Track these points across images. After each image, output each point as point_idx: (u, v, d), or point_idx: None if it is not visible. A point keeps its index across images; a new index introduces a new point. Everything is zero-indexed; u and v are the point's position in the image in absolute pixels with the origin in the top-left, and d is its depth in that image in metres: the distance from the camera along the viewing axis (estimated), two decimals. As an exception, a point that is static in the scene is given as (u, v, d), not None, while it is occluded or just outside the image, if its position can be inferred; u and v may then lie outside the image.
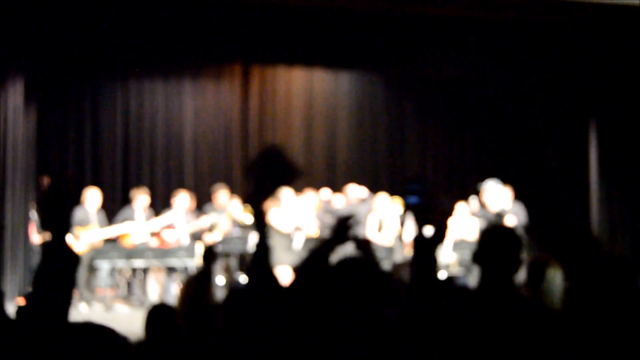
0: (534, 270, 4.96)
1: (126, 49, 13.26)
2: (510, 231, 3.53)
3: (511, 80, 15.21)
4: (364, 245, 4.03)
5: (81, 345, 1.81)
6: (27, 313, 2.59)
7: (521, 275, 10.14)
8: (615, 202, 13.70)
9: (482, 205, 12.60)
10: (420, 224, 3.46)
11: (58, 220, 2.61)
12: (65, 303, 2.67)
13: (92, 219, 12.25)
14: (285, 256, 11.08)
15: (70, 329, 1.86)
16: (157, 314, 4.84)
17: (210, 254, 5.01)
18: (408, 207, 3.55)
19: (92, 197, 12.43)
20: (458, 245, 12.79)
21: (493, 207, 12.45)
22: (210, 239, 12.46)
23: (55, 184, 2.67)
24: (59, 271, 2.67)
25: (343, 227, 3.62)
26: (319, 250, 3.66)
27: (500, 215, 12.51)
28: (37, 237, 13.11)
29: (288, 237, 11.37)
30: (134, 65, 15.34)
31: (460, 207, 14.26)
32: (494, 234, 3.47)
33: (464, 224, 13.82)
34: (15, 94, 12.33)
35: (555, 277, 4.85)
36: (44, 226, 2.64)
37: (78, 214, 12.25)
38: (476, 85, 16.23)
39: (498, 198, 12.56)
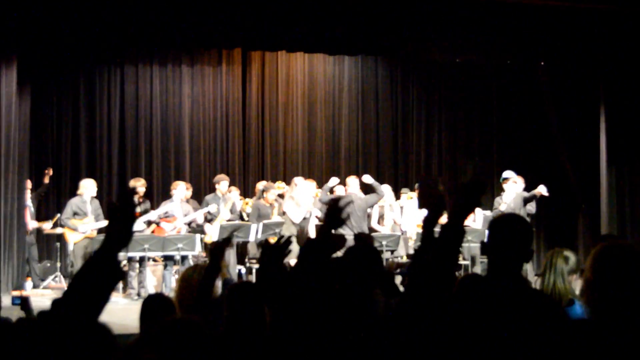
0: (547, 260, 4.98)
1: (122, 33, 12.97)
2: (521, 220, 3.40)
3: (519, 65, 14.98)
4: (364, 236, 3.93)
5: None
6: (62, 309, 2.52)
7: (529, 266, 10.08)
8: (624, 191, 13.54)
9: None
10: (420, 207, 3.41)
11: (122, 232, 2.49)
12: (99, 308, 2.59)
13: (88, 210, 11.98)
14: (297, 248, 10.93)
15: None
16: (154, 305, 4.72)
17: (219, 250, 4.80)
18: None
19: (88, 187, 12.17)
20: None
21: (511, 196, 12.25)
22: (209, 229, 12.22)
23: (125, 197, 2.56)
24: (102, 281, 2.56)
25: (335, 210, 3.44)
26: (316, 240, 3.49)
27: (529, 199, 12.36)
28: (32, 224, 12.93)
29: (299, 227, 11.16)
30: (131, 50, 15.10)
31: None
32: (504, 224, 3.30)
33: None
34: (9, 80, 12.04)
35: (564, 266, 4.87)
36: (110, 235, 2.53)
37: (74, 204, 11.98)
38: (483, 70, 16.03)
39: (517, 187, 12.38)
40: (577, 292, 4.83)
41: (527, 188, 12.96)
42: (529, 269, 11.70)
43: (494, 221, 3.37)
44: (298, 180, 11.56)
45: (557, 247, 5.20)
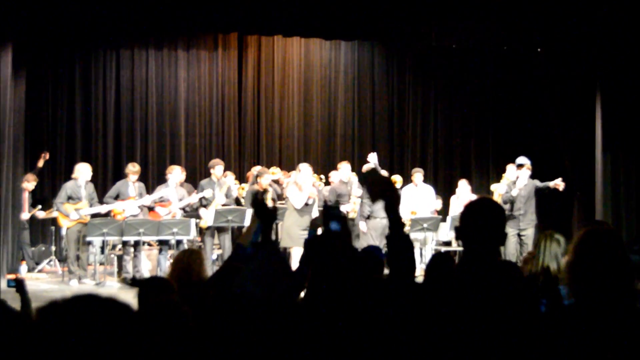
0: (537, 243, 5.10)
1: (118, 16, 12.95)
2: (492, 204, 3.41)
3: (516, 51, 14.96)
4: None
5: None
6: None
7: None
8: (619, 179, 13.54)
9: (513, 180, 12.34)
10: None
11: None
12: None
13: (82, 194, 11.96)
14: (299, 234, 10.93)
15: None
16: (151, 287, 4.71)
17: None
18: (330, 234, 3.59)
19: (84, 171, 12.13)
20: (457, 221, 12.57)
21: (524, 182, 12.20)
22: (204, 214, 12.21)
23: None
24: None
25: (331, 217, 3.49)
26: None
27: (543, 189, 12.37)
28: (25, 215, 12.93)
29: (300, 214, 11.12)
30: (127, 34, 15.05)
31: (461, 183, 14.08)
32: (476, 208, 3.30)
33: (465, 200, 13.63)
34: (4, 64, 11.99)
35: (548, 248, 4.96)
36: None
37: (69, 188, 11.97)
38: (479, 56, 16.01)
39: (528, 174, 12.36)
40: None
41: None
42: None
43: (467, 206, 3.34)
44: (303, 166, 11.51)
45: (547, 231, 5.24)
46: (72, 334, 1.59)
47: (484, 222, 3.19)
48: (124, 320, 1.66)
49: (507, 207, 11.77)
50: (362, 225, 11.85)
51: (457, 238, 3.08)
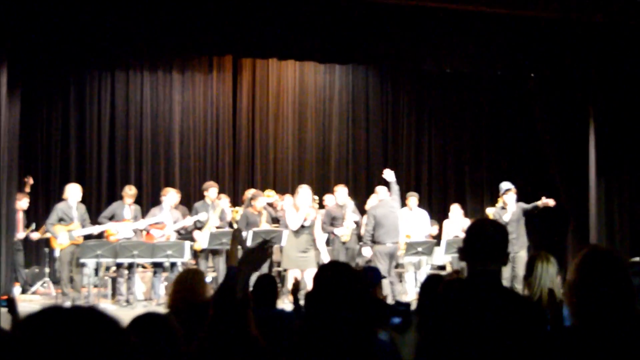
0: (528, 263, 5.13)
1: (113, 38, 12.92)
2: (495, 224, 3.44)
3: (509, 76, 15.01)
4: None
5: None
6: None
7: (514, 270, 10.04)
8: (613, 203, 13.55)
9: (503, 205, 12.36)
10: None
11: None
12: None
13: (74, 215, 11.92)
14: (296, 256, 10.85)
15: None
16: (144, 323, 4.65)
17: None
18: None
19: (74, 192, 12.10)
20: (452, 245, 12.59)
21: (512, 207, 12.24)
22: (199, 236, 12.19)
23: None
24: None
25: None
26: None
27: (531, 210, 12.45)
28: (20, 235, 12.86)
29: (296, 235, 11.02)
30: (122, 56, 15.09)
31: (454, 207, 14.11)
32: (479, 229, 3.34)
33: (458, 224, 13.68)
34: (-2, 84, 11.99)
35: (545, 269, 4.99)
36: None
37: (60, 210, 11.92)
38: (473, 80, 16.08)
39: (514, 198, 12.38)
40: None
41: (518, 199, 13.01)
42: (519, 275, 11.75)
43: (470, 227, 3.39)
44: (302, 187, 11.38)
45: (541, 252, 5.24)
46: (50, 344, 1.57)
47: (487, 242, 3.21)
48: (105, 331, 1.65)
49: None
50: (366, 251, 11.75)
51: (460, 259, 3.09)
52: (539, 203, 12.32)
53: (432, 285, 5.69)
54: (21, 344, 1.60)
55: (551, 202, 12.33)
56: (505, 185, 12.48)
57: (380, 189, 12.17)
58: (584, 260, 2.96)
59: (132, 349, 1.67)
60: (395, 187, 11.85)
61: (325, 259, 10.94)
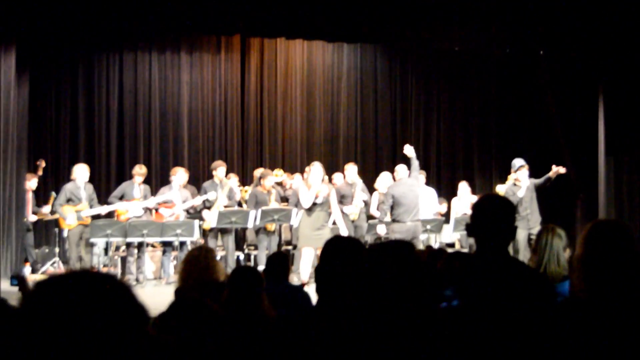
0: (537, 237, 5.07)
1: (121, 19, 12.94)
2: (502, 199, 3.44)
3: (518, 54, 14.96)
4: None
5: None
6: None
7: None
8: (622, 181, 13.53)
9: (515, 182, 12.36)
10: None
11: None
12: None
13: (82, 195, 11.95)
14: (311, 234, 10.83)
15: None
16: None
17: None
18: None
19: (81, 172, 12.10)
20: (460, 223, 12.59)
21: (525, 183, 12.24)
22: (208, 215, 12.21)
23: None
24: None
25: None
26: None
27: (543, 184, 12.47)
28: (32, 218, 12.92)
29: (309, 213, 10.99)
30: (130, 37, 15.09)
31: (462, 185, 14.10)
32: (486, 204, 3.35)
33: (467, 201, 13.67)
34: (7, 66, 12.03)
35: (549, 243, 4.93)
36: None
37: (68, 190, 11.96)
38: (482, 58, 16.02)
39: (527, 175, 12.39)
40: None
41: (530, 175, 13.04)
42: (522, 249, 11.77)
43: (477, 202, 3.39)
44: (314, 165, 11.28)
45: (548, 225, 5.24)
46: (68, 306, 1.58)
47: (494, 217, 3.22)
48: (121, 296, 1.66)
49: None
50: (381, 229, 11.61)
51: (468, 235, 3.08)
52: (551, 174, 12.33)
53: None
54: (37, 306, 1.61)
55: (562, 170, 12.35)
56: (518, 161, 12.44)
57: (399, 168, 11.91)
58: (590, 232, 2.96)
59: (142, 312, 1.69)
60: (415, 163, 11.61)
61: (344, 233, 10.85)
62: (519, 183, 12.27)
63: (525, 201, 11.97)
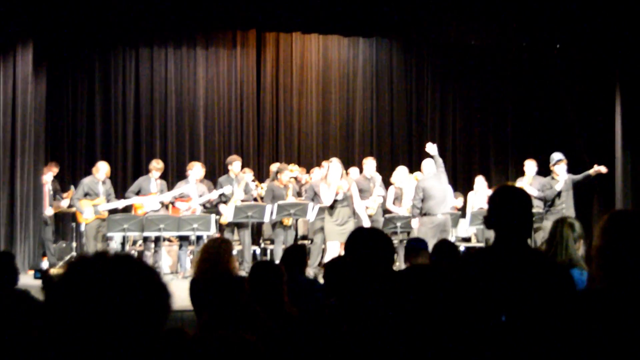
0: (553, 229, 5.07)
1: (137, 14, 12.99)
2: (518, 190, 3.42)
3: (535, 47, 14.90)
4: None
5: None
6: None
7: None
8: (639, 175, 13.47)
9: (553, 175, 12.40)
10: None
11: None
12: None
13: (100, 190, 12.01)
14: (336, 230, 10.86)
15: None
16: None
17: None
18: None
19: (101, 168, 12.18)
20: (477, 217, 12.55)
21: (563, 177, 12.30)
22: (224, 209, 12.24)
23: None
24: None
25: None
26: None
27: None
28: (49, 211, 12.98)
29: (331, 210, 11.01)
30: (146, 32, 15.13)
31: (478, 180, 14.05)
32: (503, 195, 3.33)
33: (483, 196, 13.62)
34: (25, 61, 12.10)
35: (561, 234, 4.94)
36: None
37: (86, 185, 12.02)
38: (498, 52, 15.95)
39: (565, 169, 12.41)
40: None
41: (541, 172, 12.97)
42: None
43: (494, 195, 3.38)
44: (333, 161, 11.28)
45: (563, 217, 5.27)
46: (98, 286, 1.60)
47: (511, 208, 3.21)
48: (151, 281, 1.68)
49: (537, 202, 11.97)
50: (414, 222, 11.53)
51: (486, 227, 3.07)
52: (591, 171, 12.35)
53: (443, 249, 5.73)
54: (69, 286, 1.63)
55: (603, 169, 12.34)
56: (556, 155, 12.45)
57: (426, 162, 11.94)
58: (609, 222, 2.95)
59: (165, 293, 1.71)
60: (439, 160, 11.65)
61: (366, 225, 10.88)
62: (556, 177, 12.29)
63: (562, 196, 12.10)
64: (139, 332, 1.60)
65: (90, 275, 1.61)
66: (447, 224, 11.31)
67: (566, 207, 12.05)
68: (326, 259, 10.85)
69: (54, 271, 11.81)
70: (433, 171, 11.60)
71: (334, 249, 10.82)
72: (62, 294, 1.61)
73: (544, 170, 12.81)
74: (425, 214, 11.24)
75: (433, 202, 11.18)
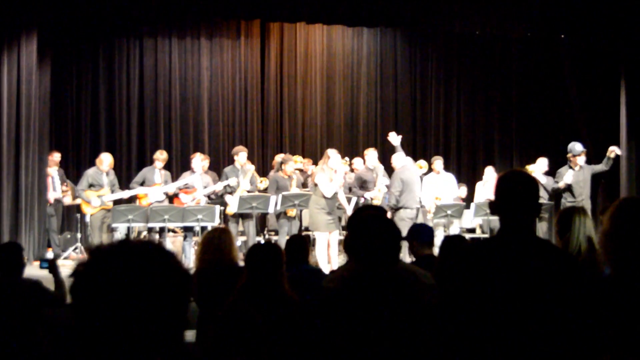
0: (563, 219, 4.97)
1: (141, 4, 12.97)
2: (525, 174, 3.34)
3: (539, 38, 14.87)
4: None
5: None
6: None
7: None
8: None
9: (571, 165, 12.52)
10: None
11: None
12: None
13: (104, 181, 12.03)
14: (326, 222, 10.89)
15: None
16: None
17: None
18: None
19: (105, 160, 12.20)
20: (482, 208, 12.54)
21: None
22: (230, 200, 12.24)
23: None
24: None
25: None
26: None
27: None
28: (52, 195, 12.98)
29: (328, 203, 11.03)
30: (150, 22, 15.12)
31: (488, 170, 14.02)
32: (510, 180, 3.26)
33: (491, 186, 13.58)
34: (29, 52, 12.07)
35: (583, 223, 4.84)
36: None
37: (90, 176, 12.05)
38: (503, 42, 15.93)
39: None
40: None
41: (552, 161, 12.98)
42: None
43: (500, 179, 3.31)
44: (331, 152, 11.30)
45: (575, 207, 5.19)
46: (122, 273, 1.62)
47: (518, 193, 3.16)
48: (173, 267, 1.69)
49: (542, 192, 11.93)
50: (388, 214, 11.49)
51: (492, 213, 3.05)
52: (609, 154, 12.42)
53: (452, 245, 5.71)
54: (96, 273, 1.65)
55: (618, 150, 12.41)
56: (579, 147, 12.50)
57: (397, 156, 12.02)
58: (617, 209, 2.94)
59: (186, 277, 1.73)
60: (401, 151, 11.93)
61: (349, 213, 11.02)
62: (576, 168, 12.32)
63: (580, 186, 12.16)
64: (165, 317, 1.62)
65: (116, 263, 1.63)
66: (419, 217, 11.46)
67: (585, 199, 12.18)
68: (317, 250, 10.92)
69: (70, 262, 11.89)
70: (409, 162, 11.72)
71: (323, 240, 10.90)
72: (90, 282, 1.63)
73: (550, 170, 12.85)
74: (401, 208, 11.30)
75: (410, 196, 11.28)
